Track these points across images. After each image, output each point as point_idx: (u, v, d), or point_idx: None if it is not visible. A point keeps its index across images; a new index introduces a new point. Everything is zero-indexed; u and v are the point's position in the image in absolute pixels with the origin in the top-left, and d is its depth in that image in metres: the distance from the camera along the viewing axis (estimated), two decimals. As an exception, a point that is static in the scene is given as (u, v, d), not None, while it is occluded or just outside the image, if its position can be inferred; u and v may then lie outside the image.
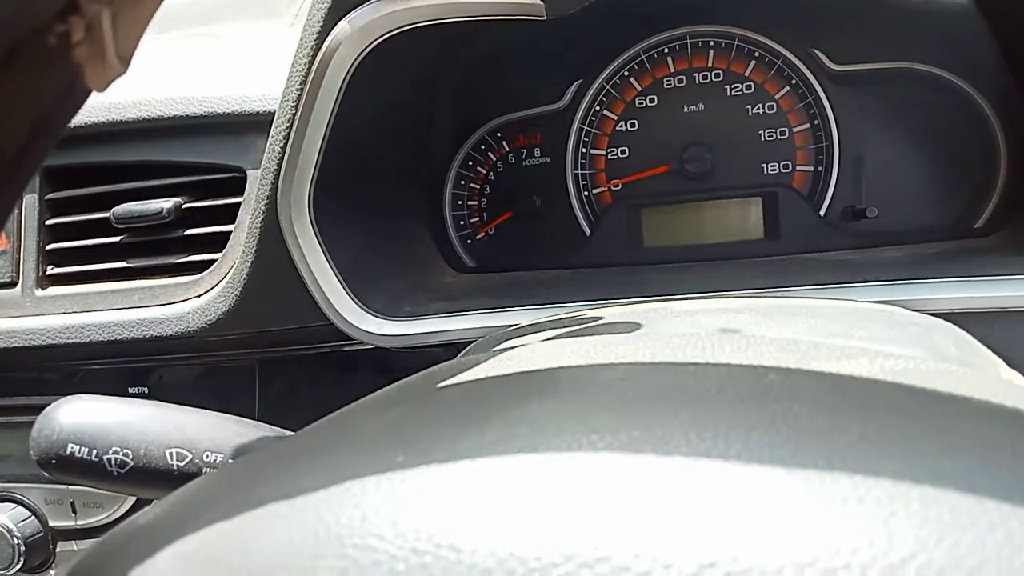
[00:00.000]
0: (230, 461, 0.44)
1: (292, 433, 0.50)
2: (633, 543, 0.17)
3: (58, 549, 0.81)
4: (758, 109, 0.86)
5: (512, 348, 0.36)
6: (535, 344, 0.35)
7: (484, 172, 0.92)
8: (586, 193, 0.90)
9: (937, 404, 0.24)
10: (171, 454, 0.44)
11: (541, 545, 0.18)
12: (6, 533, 0.77)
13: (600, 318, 0.49)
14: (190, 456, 0.44)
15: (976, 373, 0.29)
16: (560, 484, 0.19)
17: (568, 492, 0.19)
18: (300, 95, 0.62)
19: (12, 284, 0.79)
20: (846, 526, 0.17)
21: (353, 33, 0.59)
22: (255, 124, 0.72)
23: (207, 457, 0.44)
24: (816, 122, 0.84)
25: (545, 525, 0.18)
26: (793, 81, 0.84)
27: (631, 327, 0.43)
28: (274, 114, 0.65)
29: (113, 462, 0.44)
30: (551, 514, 0.18)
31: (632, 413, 0.22)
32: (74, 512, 0.80)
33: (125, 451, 0.44)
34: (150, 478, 0.44)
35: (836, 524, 0.17)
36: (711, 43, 0.86)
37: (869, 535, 0.17)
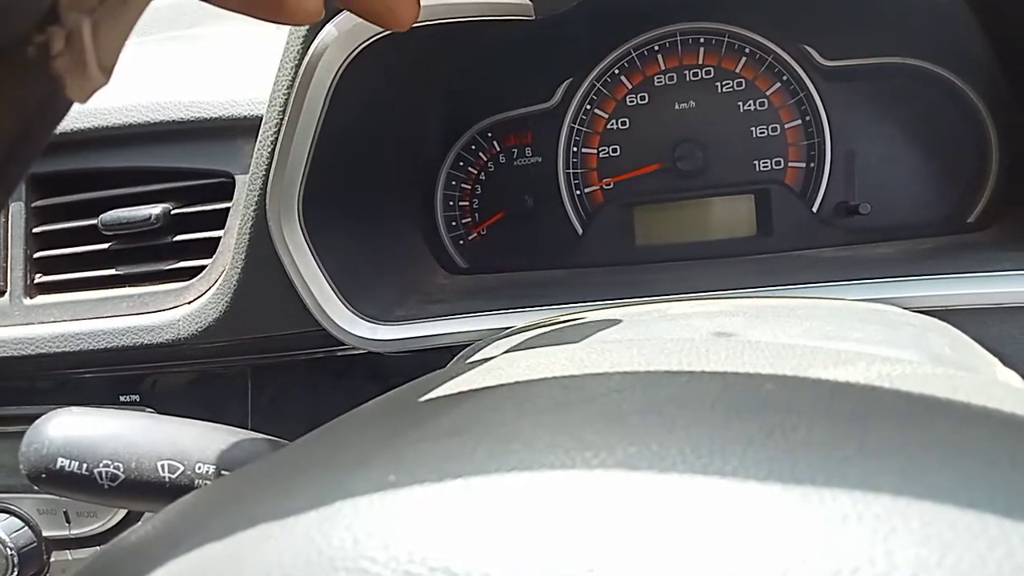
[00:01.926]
0: (223, 473, 0.44)
1: (285, 442, 0.49)
2: (629, 564, 0.17)
3: (52, 559, 0.80)
4: (749, 106, 0.85)
5: (505, 355, 0.36)
6: (528, 352, 0.35)
7: (475, 172, 0.91)
8: (578, 192, 0.89)
9: (935, 413, 0.24)
10: (163, 466, 0.44)
11: (536, 566, 0.17)
12: (-1, 544, 0.77)
13: (594, 321, 0.49)
14: (182, 468, 0.44)
15: (973, 377, 0.29)
16: (554, 504, 0.19)
17: (563, 512, 0.18)
18: (287, 99, 0.61)
19: (0, 293, 0.79)
20: (846, 545, 0.17)
21: (339, 36, 0.58)
22: (243, 128, 0.71)
23: (199, 468, 0.44)
24: (808, 118, 0.84)
25: (539, 546, 0.18)
26: (784, 77, 0.84)
27: (625, 331, 0.43)
28: (262, 118, 0.65)
29: (104, 475, 0.43)
30: (546, 534, 0.18)
31: (627, 428, 0.22)
32: (68, 522, 0.79)
33: (116, 464, 0.43)
34: (142, 491, 0.44)
35: (835, 543, 0.17)
36: (701, 40, 0.86)
37: (869, 554, 0.16)
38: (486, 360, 0.35)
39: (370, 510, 0.20)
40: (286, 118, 0.62)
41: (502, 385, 0.29)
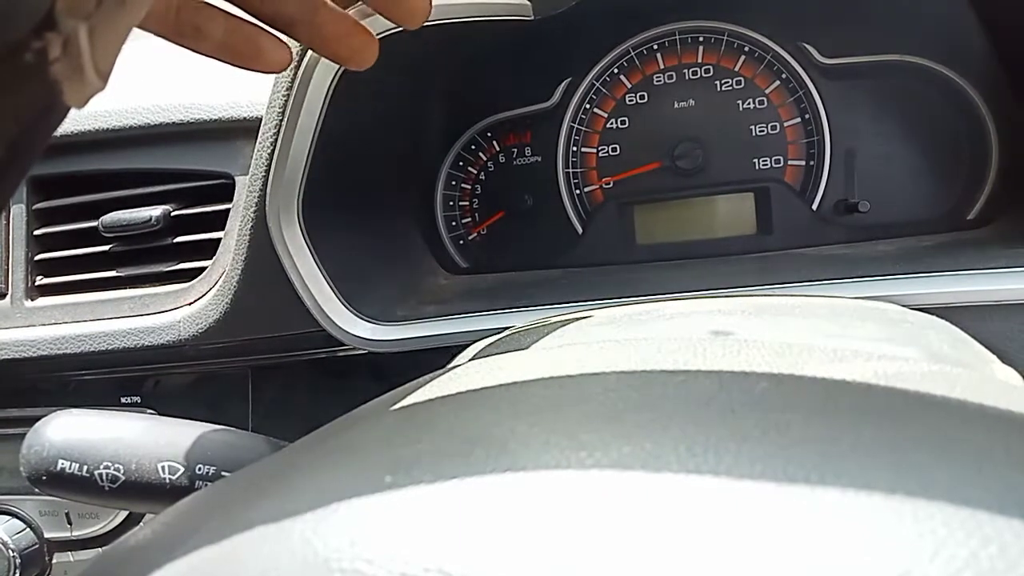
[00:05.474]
0: (223, 474, 0.44)
1: (285, 443, 0.49)
2: (625, 564, 0.17)
3: (54, 560, 0.80)
4: (749, 104, 0.85)
5: (502, 355, 0.36)
6: (525, 352, 0.35)
7: (475, 172, 0.91)
8: (578, 191, 0.89)
9: (931, 410, 0.24)
10: (163, 468, 0.44)
11: (530, 567, 0.17)
12: (1, 546, 0.77)
13: (592, 321, 0.49)
14: (182, 469, 0.44)
15: (971, 374, 0.29)
16: (549, 504, 0.19)
17: (557, 512, 0.19)
18: (287, 100, 0.62)
19: (1, 295, 0.79)
20: (838, 542, 0.17)
21: (339, 37, 0.58)
22: (243, 130, 0.72)
23: (199, 470, 0.44)
24: (807, 116, 0.84)
25: (534, 546, 0.18)
26: (783, 75, 0.84)
27: (622, 331, 0.43)
28: (261, 120, 0.65)
29: (104, 477, 0.43)
30: (540, 535, 0.18)
31: (621, 427, 0.22)
32: (69, 523, 0.79)
33: (116, 466, 0.43)
34: (142, 492, 0.44)
35: (827, 541, 0.17)
36: (700, 39, 0.86)
37: (861, 552, 0.16)
38: (482, 360, 0.35)
39: (366, 511, 0.20)
40: (285, 119, 0.62)
41: (498, 385, 0.29)
